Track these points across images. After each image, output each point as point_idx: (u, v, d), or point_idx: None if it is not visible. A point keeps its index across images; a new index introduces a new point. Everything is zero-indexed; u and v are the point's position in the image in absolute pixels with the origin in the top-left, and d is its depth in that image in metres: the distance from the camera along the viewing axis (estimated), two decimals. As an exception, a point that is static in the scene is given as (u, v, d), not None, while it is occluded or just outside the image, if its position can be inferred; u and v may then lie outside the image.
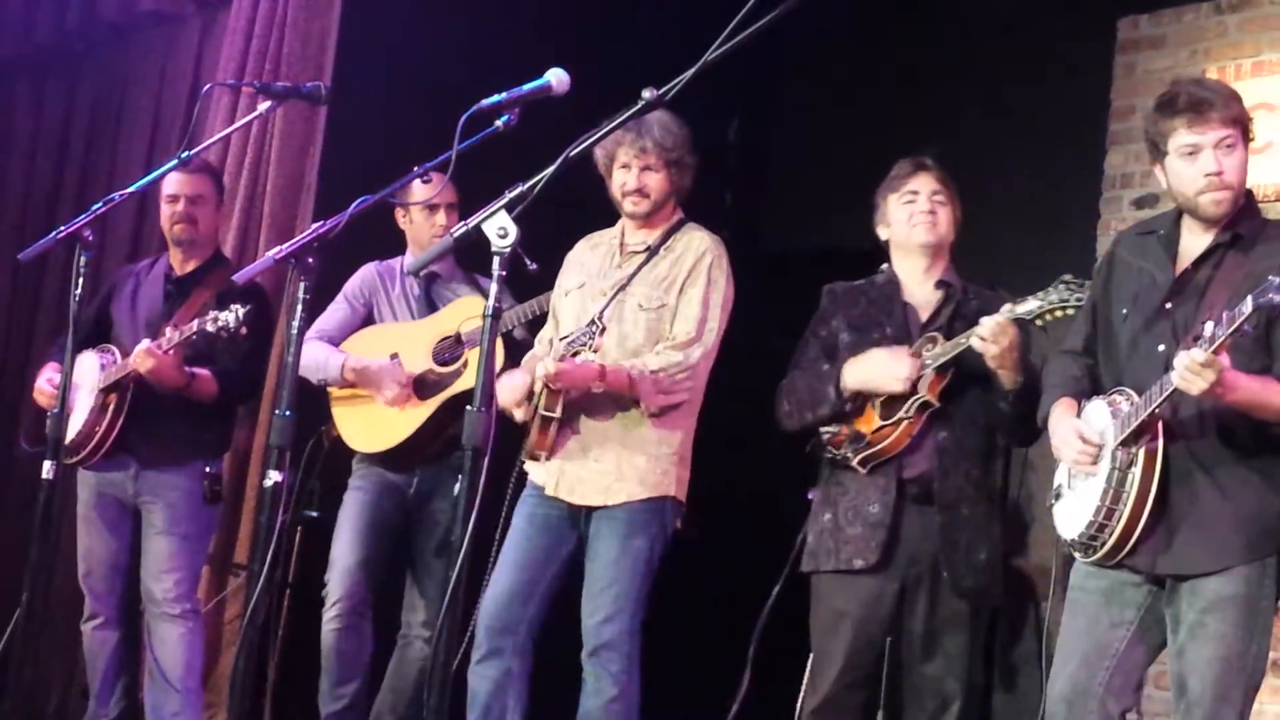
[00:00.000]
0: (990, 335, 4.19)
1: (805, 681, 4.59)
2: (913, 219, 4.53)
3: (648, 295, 4.59)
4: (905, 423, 4.37)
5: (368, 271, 5.53)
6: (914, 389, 4.35)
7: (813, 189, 7.07)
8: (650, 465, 4.52)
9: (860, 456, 4.40)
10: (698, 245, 4.63)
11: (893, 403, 4.38)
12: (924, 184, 4.55)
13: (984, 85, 6.58)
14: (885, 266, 4.64)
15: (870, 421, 4.43)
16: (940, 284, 4.55)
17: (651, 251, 4.63)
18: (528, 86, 3.34)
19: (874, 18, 6.66)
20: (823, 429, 4.51)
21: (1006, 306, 4.20)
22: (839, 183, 6.82)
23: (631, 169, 4.61)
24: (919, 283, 4.57)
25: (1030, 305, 4.15)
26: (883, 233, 4.63)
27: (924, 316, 4.53)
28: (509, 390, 4.55)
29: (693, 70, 3.11)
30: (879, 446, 4.39)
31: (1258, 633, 3.66)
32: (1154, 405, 3.60)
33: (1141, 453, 3.66)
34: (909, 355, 4.39)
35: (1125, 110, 6.05)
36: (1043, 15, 6.42)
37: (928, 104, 6.70)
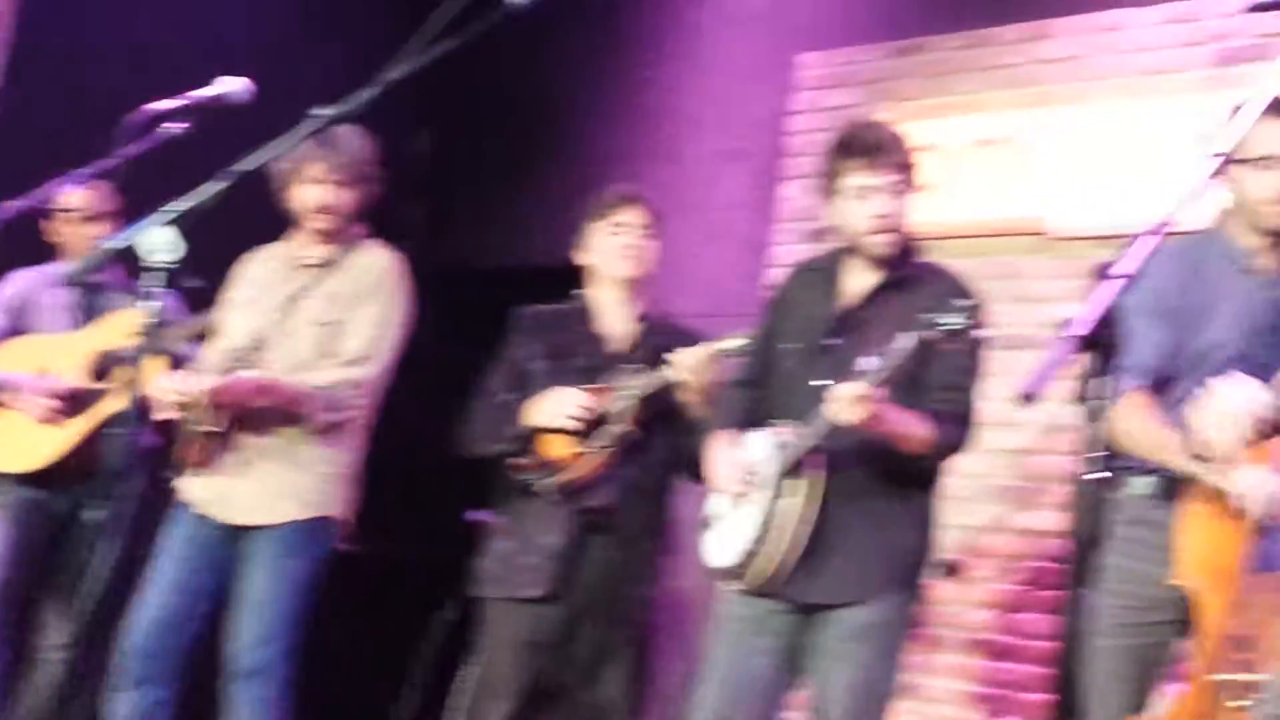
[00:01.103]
0: (690, 368, 4.22)
1: (449, 705, 4.54)
2: (619, 251, 4.49)
3: (321, 310, 4.48)
4: (605, 450, 4.33)
5: (20, 279, 5.22)
6: (609, 419, 4.33)
7: (498, 207, 7.08)
8: (313, 484, 4.42)
9: (549, 483, 4.34)
10: (375, 262, 4.56)
11: (590, 431, 4.34)
12: (634, 217, 4.51)
13: (666, 117, 6.69)
14: (578, 293, 4.58)
15: (561, 448, 4.37)
16: (638, 317, 4.54)
17: (328, 267, 4.54)
18: (201, 93, 3.27)
19: (556, 44, 6.72)
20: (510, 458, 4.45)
21: (709, 342, 4.22)
22: (524, 202, 6.89)
23: (323, 184, 4.48)
24: (616, 314, 4.53)
25: (738, 341, 4.17)
26: (583, 259, 4.57)
27: (620, 348, 4.49)
28: (164, 393, 4.29)
29: (374, 89, 3.09)
30: (570, 475, 4.33)
31: (893, 659, 3.82)
32: (812, 438, 3.71)
33: (798, 483, 3.75)
34: (586, 393, 4.35)
35: (802, 145, 6.15)
36: (723, 48, 6.55)
37: (608, 130, 6.79)
